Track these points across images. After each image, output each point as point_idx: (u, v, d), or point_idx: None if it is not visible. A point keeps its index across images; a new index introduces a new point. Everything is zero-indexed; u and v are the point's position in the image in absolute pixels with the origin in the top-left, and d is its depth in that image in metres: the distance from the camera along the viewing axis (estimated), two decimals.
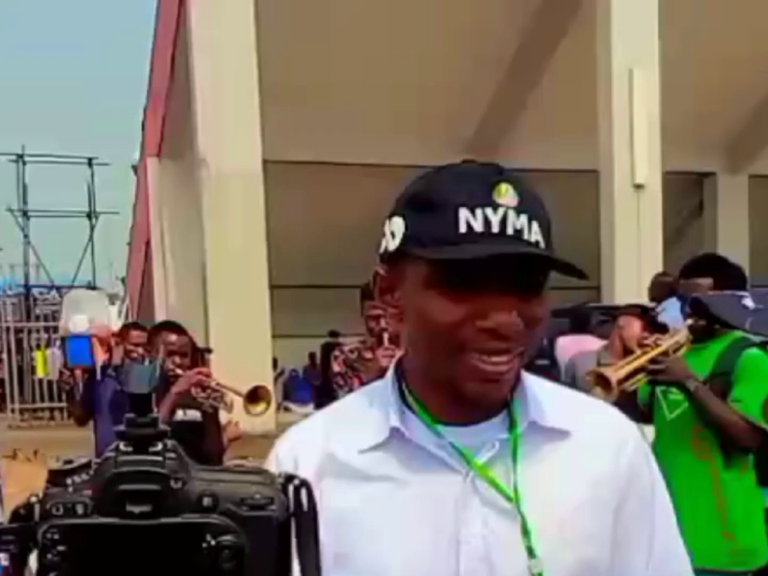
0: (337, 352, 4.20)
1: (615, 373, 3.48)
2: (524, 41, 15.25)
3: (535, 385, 1.25)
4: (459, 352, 1.13)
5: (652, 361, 3.41)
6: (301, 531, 0.74)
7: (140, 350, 5.24)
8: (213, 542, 0.70)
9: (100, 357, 6.37)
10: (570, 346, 5.69)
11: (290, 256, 15.30)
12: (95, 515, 0.70)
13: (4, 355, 18.11)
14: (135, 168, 19.42)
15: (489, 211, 1.10)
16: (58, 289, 23.93)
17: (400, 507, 1.18)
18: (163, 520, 0.70)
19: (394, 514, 1.18)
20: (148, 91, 17.36)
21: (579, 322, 7.03)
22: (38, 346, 17.94)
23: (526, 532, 1.16)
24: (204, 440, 4.22)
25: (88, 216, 23.67)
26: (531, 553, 1.15)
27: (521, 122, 16.34)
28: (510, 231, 1.10)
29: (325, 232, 16.65)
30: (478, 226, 1.09)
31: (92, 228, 23.50)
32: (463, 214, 1.10)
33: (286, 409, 15.86)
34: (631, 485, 1.23)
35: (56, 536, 0.69)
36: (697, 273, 3.57)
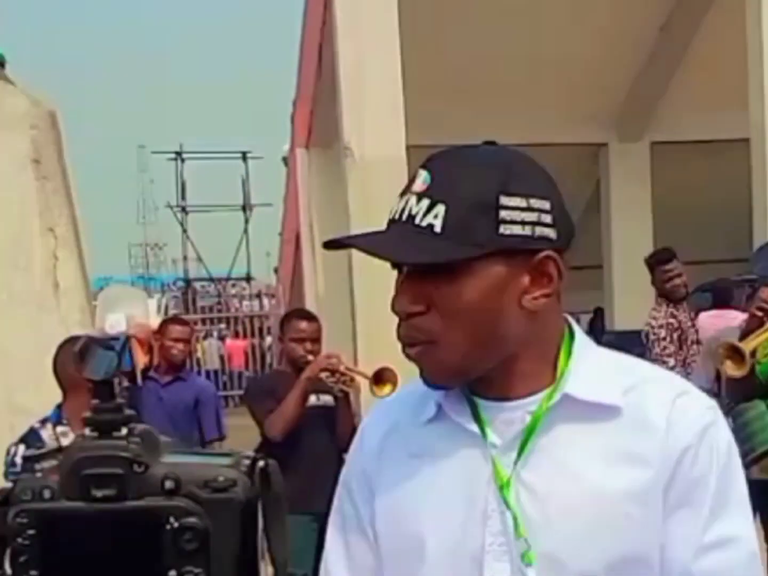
0: None
1: (746, 344, 3.33)
2: (673, 10, 14.72)
3: (591, 356, 1.22)
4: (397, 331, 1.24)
5: None
6: (268, 511, 0.75)
7: (180, 346, 5.11)
8: (176, 524, 0.72)
9: (141, 360, 6.00)
10: (711, 323, 5.42)
11: None
12: (62, 500, 0.73)
13: None
14: (285, 160, 19.84)
15: (401, 198, 1.17)
16: (216, 281, 24.82)
17: (440, 481, 1.20)
18: (128, 503, 0.72)
19: (434, 488, 1.20)
20: (297, 82, 17.67)
21: (722, 296, 6.70)
22: (197, 338, 18.55)
23: (515, 520, 1.15)
24: (337, 424, 4.27)
25: (243, 209, 24.35)
26: (517, 530, 1.14)
27: (671, 93, 15.78)
28: (404, 217, 1.15)
29: None
30: (390, 214, 1.18)
31: (247, 221, 24.18)
32: (396, 202, 1.18)
33: None
34: (681, 467, 1.15)
35: (25, 520, 0.72)
36: None
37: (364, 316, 11.73)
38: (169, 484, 0.73)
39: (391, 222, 1.17)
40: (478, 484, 1.18)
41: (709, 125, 15.47)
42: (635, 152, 16.03)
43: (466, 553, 1.17)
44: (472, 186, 1.14)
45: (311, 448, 4.10)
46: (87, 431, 0.74)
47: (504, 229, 1.12)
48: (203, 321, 18.92)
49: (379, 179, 11.84)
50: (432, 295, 1.15)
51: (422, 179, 1.16)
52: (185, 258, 24.88)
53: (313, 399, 4.23)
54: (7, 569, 0.73)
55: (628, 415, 1.17)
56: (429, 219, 1.13)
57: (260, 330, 18.86)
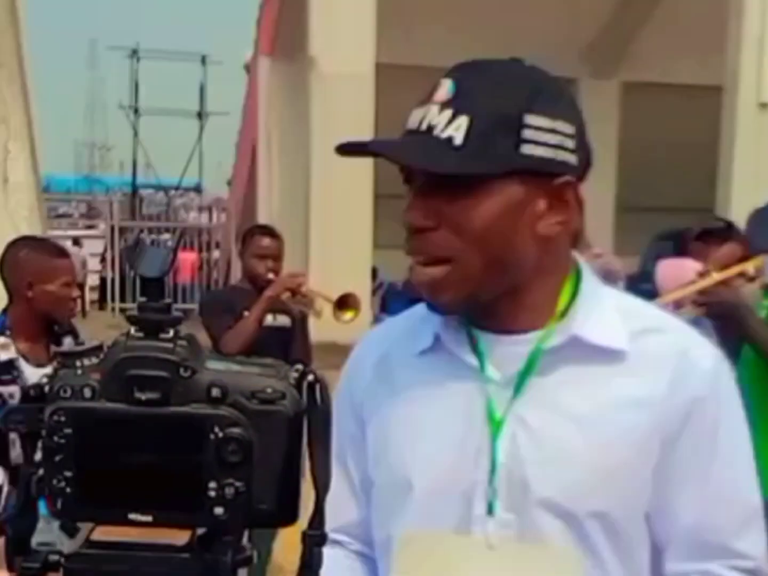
0: None
1: (660, 302, 3.36)
2: None
3: (601, 299, 1.20)
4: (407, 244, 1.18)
5: (701, 292, 3.19)
6: (313, 428, 0.72)
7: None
8: (220, 434, 0.69)
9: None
10: (668, 271, 5.49)
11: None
12: (102, 399, 0.69)
13: (108, 254, 18.40)
14: (247, 67, 19.41)
15: (419, 108, 1.14)
16: (166, 189, 24.43)
17: (433, 414, 1.19)
18: (171, 408, 0.69)
19: (426, 422, 1.19)
20: None
21: (683, 246, 6.78)
22: None
23: (493, 459, 1.14)
24: (291, 346, 4.22)
25: (198, 116, 23.88)
26: (491, 480, 1.14)
27: (646, 33, 15.70)
28: (423, 127, 1.11)
29: None
30: (408, 124, 1.14)
31: (201, 128, 23.74)
32: (413, 112, 1.15)
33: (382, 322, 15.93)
34: (690, 419, 1.15)
35: (62, 419, 0.69)
36: None
37: (319, 239, 11.71)
38: (215, 392, 0.69)
39: (409, 132, 1.13)
40: (474, 420, 1.16)
41: (682, 69, 15.49)
42: (605, 90, 16.00)
43: (455, 490, 1.16)
44: (499, 101, 1.10)
45: None
46: (132, 330, 0.70)
47: (526, 149, 1.10)
48: (149, 230, 18.66)
49: (344, 95, 11.72)
50: (445, 211, 1.11)
51: (446, 89, 1.11)
52: (134, 162, 24.40)
53: (269, 319, 4.16)
54: (40, 470, 0.70)
55: (634, 360, 1.15)
56: (450, 131, 1.09)
57: (208, 244, 18.68)
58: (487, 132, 1.09)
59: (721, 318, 3.21)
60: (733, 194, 11.64)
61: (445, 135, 1.09)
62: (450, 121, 1.10)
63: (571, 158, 1.13)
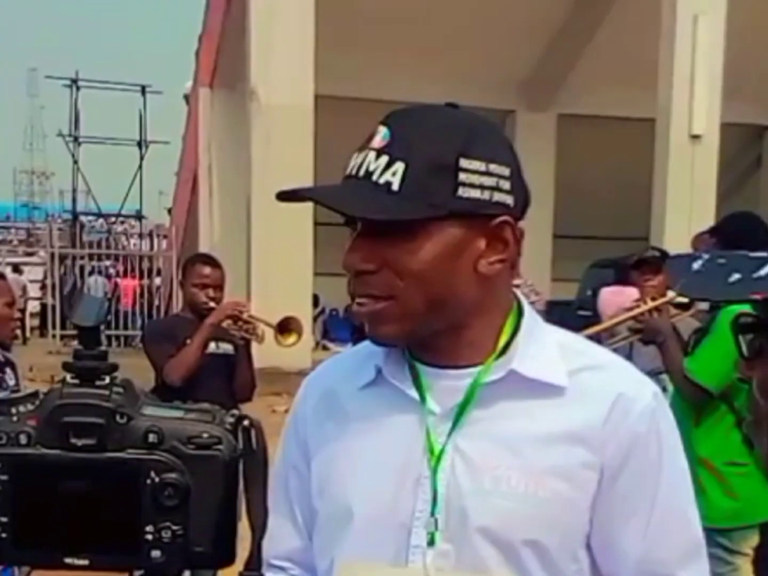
0: None
1: (594, 330, 3.51)
2: None
3: (541, 335, 1.22)
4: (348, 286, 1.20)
5: (635, 319, 3.46)
6: (249, 472, 0.73)
7: None
8: (157, 479, 0.70)
9: None
10: (610, 299, 5.59)
11: None
12: (38, 446, 0.70)
13: (48, 281, 18.16)
14: (187, 98, 19.36)
15: (358, 154, 1.15)
16: (106, 216, 24.15)
17: (373, 446, 1.19)
18: (107, 454, 0.70)
19: (367, 453, 1.20)
20: (204, 19, 17.23)
21: (623, 273, 6.92)
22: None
23: (434, 490, 1.15)
24: (235, 373, 4.20)
25: (139, 145, 23.66)
26: (432, 511, 1.15)
27: (581, 67, 16.01)
28: (361, 172, 1.13)
29: None
30: (348, 169, 1.15)
31: (142, 157, 23.51)
32: (351, 157, 1.16)
33: (325, 348, 15.90)
34: (631, 456, 1.17)
35: None
36: (714, 229, 3.54)
37: (260, 266, 11.66)
38: (152, 438, 0.70)
39: (348, 177, 1.15)
40: (414, 451, 1.17)
41: (615, 102, 15.81)
42: (542, 122, 16.26)
43: (394, 520, 1.16)
44: (433, 146, 1.12)
45: (208, 397, 3.96)
46: (68, 377, 0.71)
47: (462, 192, 1.12)
48: (90, 257, 18.39)
49: (284, 127, 11.74)
50: (386, 254, 1.13)
51: (382, 135, 1.13)
52: (74, 190, 24.08)
53: (212, 346, 4.13)
54: None
55: (572, 396, 1.17)
56: (387, 176, 1.11)
57: (149, 270, 18.49)
58: (423, 177, 1.11)
59: (651, 343, 3.38)
60: (666, 223, 11.89)
61: (382, 180, 1.11)
62: (387, 167, 1.11)
63: (508, 198, 1.15)
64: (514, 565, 1.14)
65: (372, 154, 1.13)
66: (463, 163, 1.12)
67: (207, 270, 4.16)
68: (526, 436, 1.16)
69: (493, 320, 1.20)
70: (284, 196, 1.16)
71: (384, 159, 1.12)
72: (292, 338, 4.35)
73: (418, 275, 1.13)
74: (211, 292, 4.09)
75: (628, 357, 3.26)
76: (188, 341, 3.93)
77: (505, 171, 1.15)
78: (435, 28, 14.73)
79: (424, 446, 1.17)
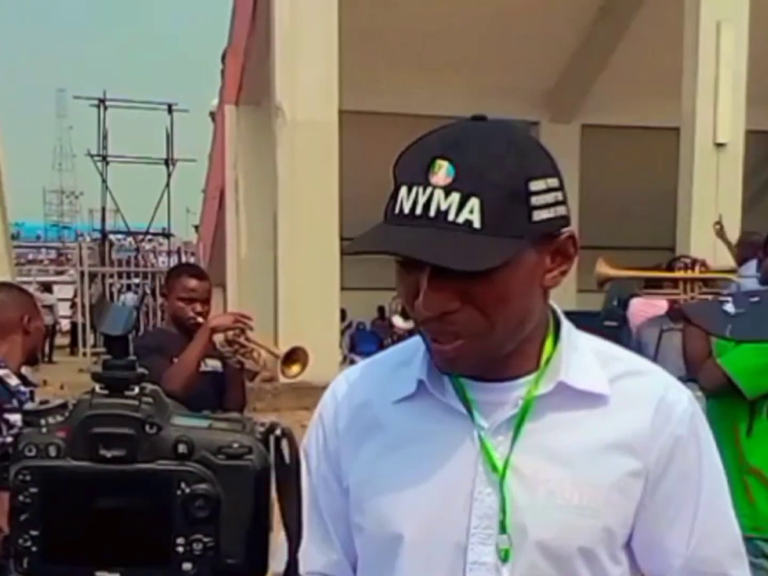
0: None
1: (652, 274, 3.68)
2: None
3: (579, 344, 1.21)
4: (420, 324, 1.15)
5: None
6: (281, 482, 0.72)
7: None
8: (187, 490, 0.69)
9: None
10: (641, 309, 5.55)
11: (363, 208, 15.25)
12: (68, 458, 0.69)
13: (78, 299, 18.32)
14: (213, 115, 19.50)
15: (420, 190, 1.07)
16: (134, 235, 24.37)
17: (419, 463, 1.17)
18: (137, 465, 0.69)
19: (413, 469, 1.17)
20: (229, 37, 17.38)
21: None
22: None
23: (503, 506, 1.13)
24: (225, 393, 3.83)
25: (166, 163, 23.87)
26: (502, 528, 1.13)
27: (605, 77, 15.96)
28: (432, 213, 1.06)
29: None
30: (407, 208, 1.08)
31: (169, 175, 23.70)
32: (402, 193, 1.09)
33: (352, 362, 15.90)
34: (673, 459, 1.18)
35: (28, 477, 0.69)
36: None
37: (287, 281, 11.69)
38: (182, 448, 0.70)
39: (413, 217, 1.07)
40: (466, 467, 1.16)
41: (639, 111, 15.76)
42: (566, 133, 16.21)
43: (448, 539, 1.15)
44: (501, 175, 1.08)
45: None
46: (97, 388, 0.70)
47: (536, 216, 1.10)
48: (119, 274, 18.53)
49: (309, 142, 11.78)
50: (468, 292, 1.09)
51: (446, 171, 1.07)
52: (103, 209, 24.31)
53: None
54: (5, 527, 0.69)
55: (616, 404, 1.18)
56: (465, 215, 1.06)
57: None
58: (500, 209, 1.06)
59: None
60: (692, 232, 11.80)
61: (461, 219, 1.06)
62: (461, 205, 1.06)
63: (564, 210, 1.14)
64: (567, 575, 1.15)
65: (439, 192, 1.07)
66: (532, 186, 1.09)
67: (193, 283, 3.88)
68: (576, 448, 1.16)
69: (540, 330, 1.20)
70: (356, 250, 1.13)
71: (456, 196, 1.06)
72: (296, 368, 4.19)
73: (502, 309, 1.11)
74: (198, 307, 3.84)
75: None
76: (175, 360, 3.62)
77: (557, 182, 1.14)
78: (458, 41, 14.75)
79: (476, 461, 1.15)
